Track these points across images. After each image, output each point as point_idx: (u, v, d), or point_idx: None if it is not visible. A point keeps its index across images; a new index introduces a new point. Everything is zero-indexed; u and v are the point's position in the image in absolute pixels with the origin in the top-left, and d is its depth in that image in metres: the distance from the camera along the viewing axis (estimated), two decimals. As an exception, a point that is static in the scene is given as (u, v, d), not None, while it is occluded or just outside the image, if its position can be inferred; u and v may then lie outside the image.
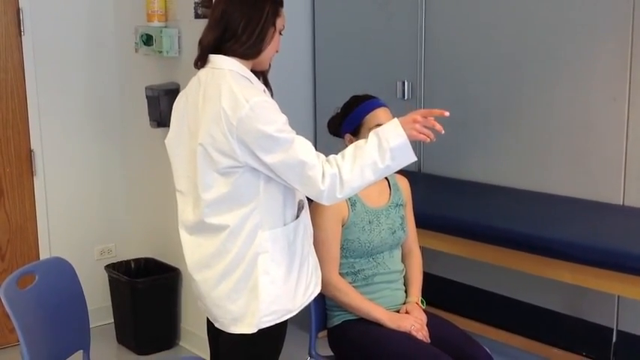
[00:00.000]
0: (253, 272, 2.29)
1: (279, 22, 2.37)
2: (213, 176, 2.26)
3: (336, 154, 2.93)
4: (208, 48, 2.33)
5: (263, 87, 2.40)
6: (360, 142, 2.30)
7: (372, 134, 2.30)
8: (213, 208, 2.29)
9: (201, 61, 2.37)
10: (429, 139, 2.36)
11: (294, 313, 2.40)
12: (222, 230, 2.29)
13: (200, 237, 2.36)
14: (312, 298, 2.48)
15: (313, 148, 2.24)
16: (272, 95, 2.44)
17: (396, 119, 2.34)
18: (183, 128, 2.40)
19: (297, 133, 2.27)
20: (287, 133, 2.22)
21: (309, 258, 2.48)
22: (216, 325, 2.42)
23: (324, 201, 2.25)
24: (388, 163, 2.25)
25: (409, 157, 2.31)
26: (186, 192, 2.39)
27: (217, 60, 2.32)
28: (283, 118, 2.27)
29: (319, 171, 2.20)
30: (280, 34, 2.40)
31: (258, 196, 2.27)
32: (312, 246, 2.51)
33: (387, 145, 2.25)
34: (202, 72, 2.36)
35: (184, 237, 2.42)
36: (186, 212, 2.40)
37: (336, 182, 2.21)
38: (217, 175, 2.25)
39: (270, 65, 2.46)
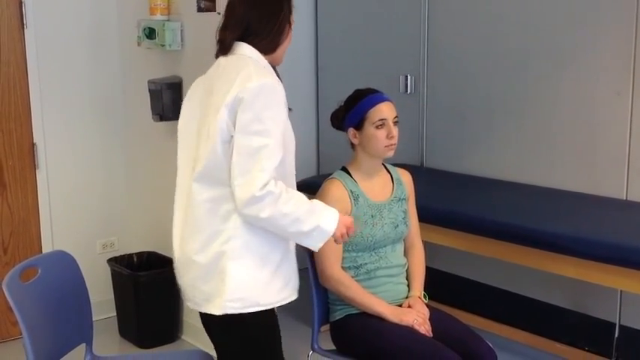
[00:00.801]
0: (224, 255, 2.29)
1: (292, 18, 2.42)
2: (212, 147, 2.26)
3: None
4: (230, 45, 2.37)
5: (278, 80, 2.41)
6: (303, 196, 2.32)
7: (316, 202, 2.37)
8: (199, 181, 2.31)
9: (222, 53, 2.41)
10: (339, 243, 2.45)
11: (263, 308, 2.33)
12: (201, 205, 2.31)
13: (186, 211, 2.38)
14: (286, 302, 2.40)
15: (277, 164, 2.22)
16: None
17: (337, 213, 2.36)
18: (195, 110, 2.41)
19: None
20: (273, 129, 2.22)
21: (294, 259, 2.45)
22: (189, 304, 2.43)
23: (243, 206, 2.20)
24: (305, 231, 2.27)
25: (317, 243, 2.33)
26: (184, 166, 2.43)
27: (240, 47, 2.36)
28: (282, 115, 2.28)
29: (264, 179, 2.18)
30: (291, 27, 2.44)
31: None
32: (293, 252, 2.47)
33: (318, 220, 2.29)
34: (223, 58, 2.39)
35: (175, 215, 2.45)
36: (180, 187, 2.44)
37: (269, 201, 2.19)
38: (216, 146, 2.25)
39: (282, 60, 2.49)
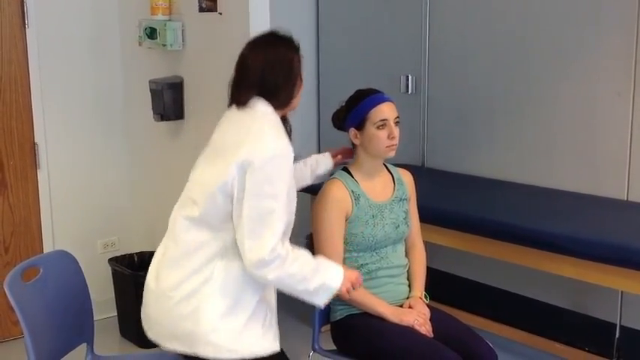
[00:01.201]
0: (199, 296, 2.32)
1: (302, 67, 2.45)
2: (212, 197, 2.30)
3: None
4: (246, 102, 2.38)
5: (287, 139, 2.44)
6: (309, 255, 2.37)
7: (320, 259, 2.44)
8: (190, 220, 2.36)
9: (237, 107, 2.42)
10: (346, 298, 2.55)
11: (236, 357, 2.33)
12: (185, 243, 2.36)
13: (167, 244, 2.43)
14: (265, 354, 2.38)
15: (284, 227, 2.28)
16: (291, 133, 2.48)
17: (342, 268, 2.44)
18: (207, 156, 2.44)
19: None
20: (282, 192, 2.26)
21: (271, 308, 2.45)
22: (150, 335, 2.48)
23: (252, 268, 2.25)
24: (311, 289, 2.33)
25: (323, 299, 2.39)
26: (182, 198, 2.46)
27: (255, 103, 2.38)
28: (290, 177, 2.32)
29: (274, 243, 2.23)
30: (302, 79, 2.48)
31: (228, 225, 2.30)
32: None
33: (323, 278, 2.35)
34: (237, 111, 2.40)
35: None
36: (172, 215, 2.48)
37: (277, 264, 2.25)
38: (216, 197, 2.30)
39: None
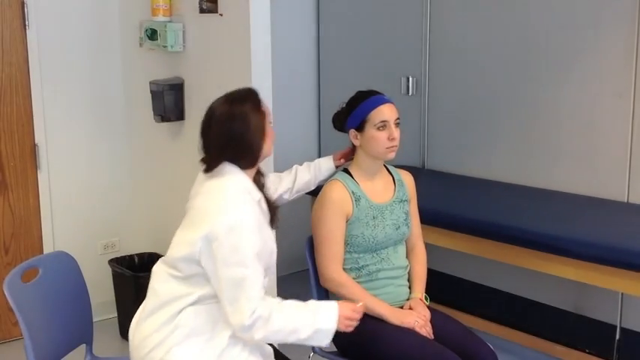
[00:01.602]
0: (166, 342, 2.36)
1: (266, 122, 2.45)
2: (179, 259, 2.37)
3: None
4: (214, 167, 2.43)
5: (259, 196, 2.47)
6: (299, 303, 2.39)
7: (311, 304, 2.42)
8: (168, 275, 2.42)
9: (206, 172, 2.47)
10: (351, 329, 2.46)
11: None
12: (158, 294, 2.42)
13: (150, 292, 2.48)
14: None
15: (262, 285, 2.32)
16: (264, 185, 2.56)
17: (335, 305, 2.41)
18: (186, 219, 2.48)
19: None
20: (251, 257, 2.30)
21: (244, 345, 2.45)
22: None
23: (237, 332, 2.31)
24: (304, 338, 2.35)
25: (323, 341, 2.40)
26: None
27: (223, 167, 2.42)
28: (257, 238, 2.34)
29: (252, 307, 2.26)
30: (270, 122, 2.49)
31: (202, 282, 2.35)
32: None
33: (315, 324, 2.36)
34: (207, 177, 2.45)
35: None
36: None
37: (260, 325, 2.28)
38: (181, 259, 2.37)
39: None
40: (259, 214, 2.43)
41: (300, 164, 2.98)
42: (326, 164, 2.93)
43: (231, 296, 2.28)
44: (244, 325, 2.27)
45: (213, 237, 2.28)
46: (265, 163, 3.37)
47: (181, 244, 2.39)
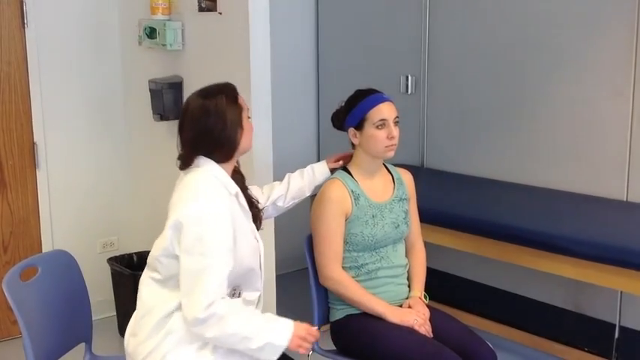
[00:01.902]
0: (159, 349, 2.35)
1: (243, 115, 2.44)
2: (158, 260, 2.39)
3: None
4: (189, 161, 2.43)
5: (236, 189, 2.45)
6: (256, 312, 2.41)
7: (268, 316, 2.40)
8: (152, 280, 2.43)
9: (181, 168, 2.49)
10: (301, 353, 2.41)
11: None
12: (142, 300, 2.45)
13: (139, 300, 2.49)
14: None
15: (224, 282, 2.28)
16: (244, 181, 2.57)
17: (291, 323, 2.38)
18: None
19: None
20: (216, 248, 2.27)
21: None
22: None
23: (189, 325, 2.28)
24: (254, 348, 2.30)
25: (271, 357, 2.35)
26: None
27: (198, 161, 2.42)
28: (226, 232, 2.31)
29: (207, 300, 2.23)
30: (248, 117, 2.47)
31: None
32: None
33: (267, 337, 2.31)
34: (183, 172, 2.46)
35: None
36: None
37: (213, 322, 2.25)
38: (160, 258, 2.37)
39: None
40: (236, 208, 2.41)
41: (299, 165, 2.97)
42: (319, 169, 2.90)
43: (189, 287, 2.26)
44: (197, 318, 2.23)
45: (180, 225, 2.28)
46: (265, 164, 3.40)
47: (158, 240, 2.39)
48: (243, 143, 2.43)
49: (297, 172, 2.91)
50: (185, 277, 2.28)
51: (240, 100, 2.44)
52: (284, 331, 2.34)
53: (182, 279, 2.28)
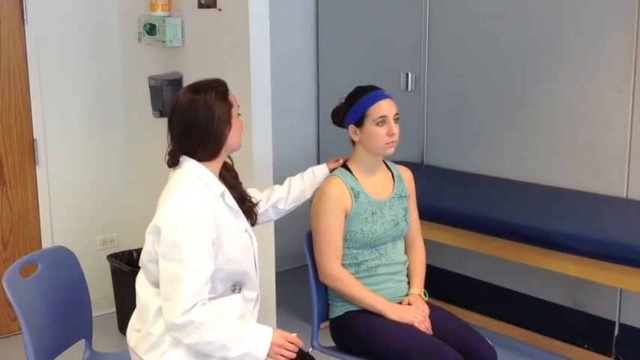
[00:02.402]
0: (160, 346, 2.36)
1: (233, 112, 2.41)
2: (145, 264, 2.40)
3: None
4: (176, 160, 2.42)
5: (222, 189, 2.43)
6: (235, 321, 2.36)
7: (247, 325, 2.39)
8: (144, 279, 2.44)
9: (169, 166, 2.48)
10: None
11: None
12: (139, 298, 2.44)
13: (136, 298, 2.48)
14: None
15: (203, 287, 2.26)
16: (237, 177, 2.57)
17: (270, 331, 2.36)
18: None
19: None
20: (191, 255, 2.25)
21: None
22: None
23: (169, 329, 2.28)
24: (233, 357, 2.30)
25: None
26: None
27: (183, 161, 2.41)
28: (203, 237, 2.28)
29: (184, 307, 2.22)
30: (238, 114, 2.45)
31: None
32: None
33: (246, 346, 2.30)
34: (171, 172, 2.46)
35: None
36: None
37: (191, 330, 2.24)
38: (144, 263, 2.40)
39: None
40: (221, 209, 2.39)
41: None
42: (320, 171, 2.88)
43: (167, 292, 2.26)
44: (174, 324, 2.23)
45: (158, 229, 2.28)
46: (264, 161, 3.39)
47: (143, 248, 2.39)
48: (231, 140, 2.40)
49: (298, 175, 2.89)
50: (163, 282, 2.28)
51: (231, 97, 2.42)
52: (263, 341, 2.33)
53: (161, 284, 2.28)
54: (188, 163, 2.38)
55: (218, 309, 2.34)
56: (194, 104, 2.35)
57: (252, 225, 2.59)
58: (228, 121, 2.38)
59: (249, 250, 2.49)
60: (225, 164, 2.51)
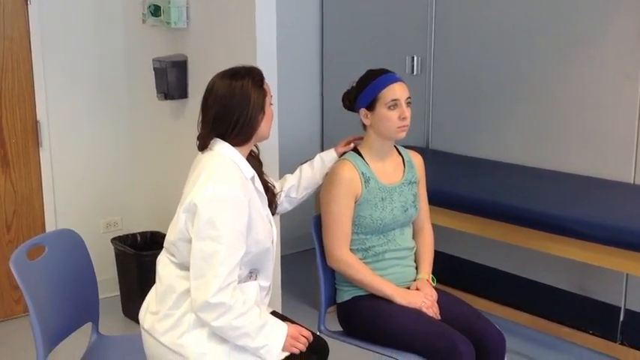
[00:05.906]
0: (178, 327, 2.36)
1: (266, 101, 2.43)
2: (175, 243, 2.40)
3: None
4: (206, 143, 2.44)
5: (253, 173, 2.45)
6: (259, 312, 2.37)
7: (269, 317, 2.42)
8: (168, 261, 2.45)
9: (199, 149, 2.49)
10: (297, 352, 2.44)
11: None
12: (161, 280, 2.45)
13: (157, 278, 2.50)
14: None
15: (235, 268, 2.28)
16: (261, 167, 2.59)
17: (285, 327, 2.42)
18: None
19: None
20: (227, 235, 2.26)
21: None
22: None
23: (197, 310, 2.28)
24: (252, 347, 2.33)
25: (265, 358, 2.37)
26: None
27: (214, 144, 2.43)
28: (239, 219, 2.30)
29: (218, 285, 2.24)
30: (270, 104, 2.48)
31: None
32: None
33: (267, 338, 2.35)
34: (200, 154, 2.47)
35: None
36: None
37: (222, 312, 2.26)
38: (177, 242, 2.38)
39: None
40: (252, 192, 2.41)
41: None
42: (328, 156, 2.88)
43: (200, 271, 2.26)
44: (207, 302, 2.24)
45: (194, 207, 2.28)
46: (270, 149, 3.37)
47: (172, 224, 2.40)
48: (262, 128, 2.44)
49: (307, 163, 2.89)
50: (196, 260, 2.27)
51: (265, 86, 2.44)
52: (280, 335, 2.38)
53: (192, 262, 2.28)
54: (221, 146, 2.40)
55: (245, 294, 2.35)
56: (231, 89, 2.37)
57: (273, 214, 2.60)
58: (262, 108, 2.40)
59: (270, 236, 2.50)
60: (251, 152, 2.52)
